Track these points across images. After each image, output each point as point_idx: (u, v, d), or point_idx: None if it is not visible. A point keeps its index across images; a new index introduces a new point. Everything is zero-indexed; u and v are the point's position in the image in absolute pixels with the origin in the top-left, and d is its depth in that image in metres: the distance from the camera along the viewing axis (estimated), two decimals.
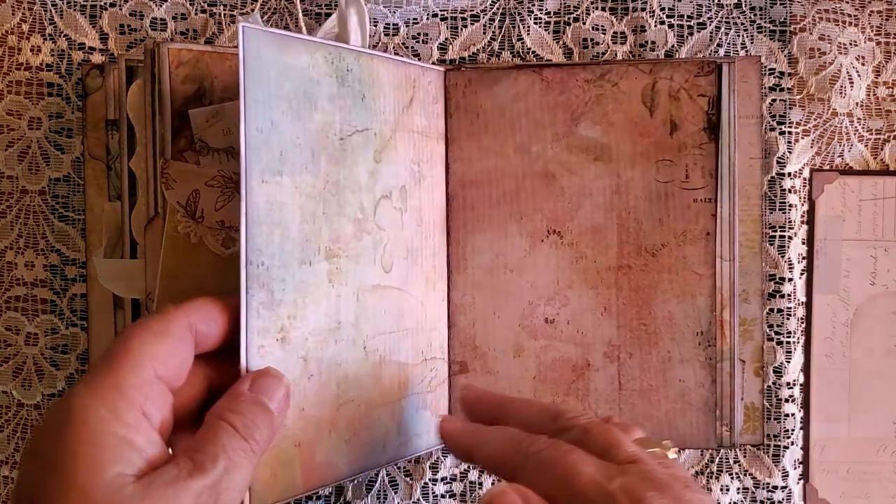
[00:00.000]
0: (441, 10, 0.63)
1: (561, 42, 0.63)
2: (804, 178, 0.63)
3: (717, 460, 0.63)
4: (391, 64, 0.55)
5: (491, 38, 0.63)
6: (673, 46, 0.63)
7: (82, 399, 0.38)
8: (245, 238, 0.45)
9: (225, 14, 0.62)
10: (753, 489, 0.63)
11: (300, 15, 0.60)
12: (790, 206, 0.63)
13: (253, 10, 0.62)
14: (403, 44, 0.63)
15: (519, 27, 0.63)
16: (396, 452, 0.56)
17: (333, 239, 0.50)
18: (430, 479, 0.63)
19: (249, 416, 0.42)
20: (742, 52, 0.63)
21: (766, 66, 0.63)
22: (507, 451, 0.46)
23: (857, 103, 0.63)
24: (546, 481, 0.43)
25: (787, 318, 0.63)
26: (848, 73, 0.63)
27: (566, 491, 0.43)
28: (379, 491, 0.63)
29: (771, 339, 0.63)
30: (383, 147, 0.54)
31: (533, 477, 0.44)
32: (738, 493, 0.63)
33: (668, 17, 0.63)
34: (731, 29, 0.63)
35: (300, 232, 0.48)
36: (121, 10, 0.61)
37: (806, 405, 0.63)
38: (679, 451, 0.63)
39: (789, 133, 0.63)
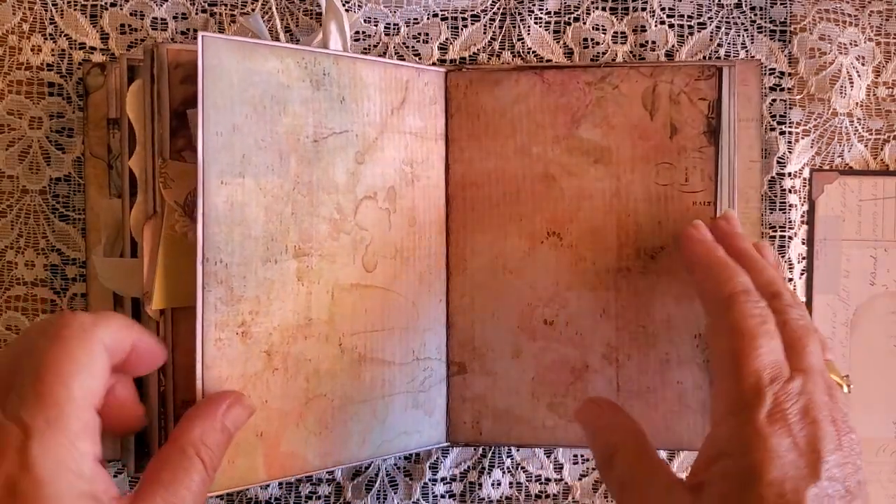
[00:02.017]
0: (441, 10, 0.63)
1: (561, 42, 0.63)
2: (804, 178, 0.63)
3: None
4: (377, 66, 0.56)
5: (491, 38, 0.63)
6: (673, 46, 0.63)
7: (46, 466, 0.38)
8: (202, 237, 0.48)
9: (226, 13, 0.62)
10: None
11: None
12: (790, 206, 0.63)
13: (254, 10, 0.62)
14: (404, 43, 0.63)
15: (519, 27, 0.63)
16: (379, 449, 0.57)
17: (304, 238, 0.52)
18: (429, 479, 0.63)
19: (217, 450, 0.45)
20: (742, 52, 0.63)
21: (766, 66, 0.63)
22: (721, 294, 0.48)
23: (857, 103, 0.63)
24: (725, 344, 0.46)
25: None
26: (848, 73, 0.63)
27: (730, 363, 0.45)
28: (378, 491, 0.63)
29: None
30: (367, 148, 0.55)
31: (721, 330, 0.47)
32: None
33: (668, 16, 0.63)
34: (731, 29, 0.63)
35: (265, 231, 0.51)
36: (121, 9, 0.61)
37: None
38: (676, 453, 0.63)
39: (789, 133, 0.63)
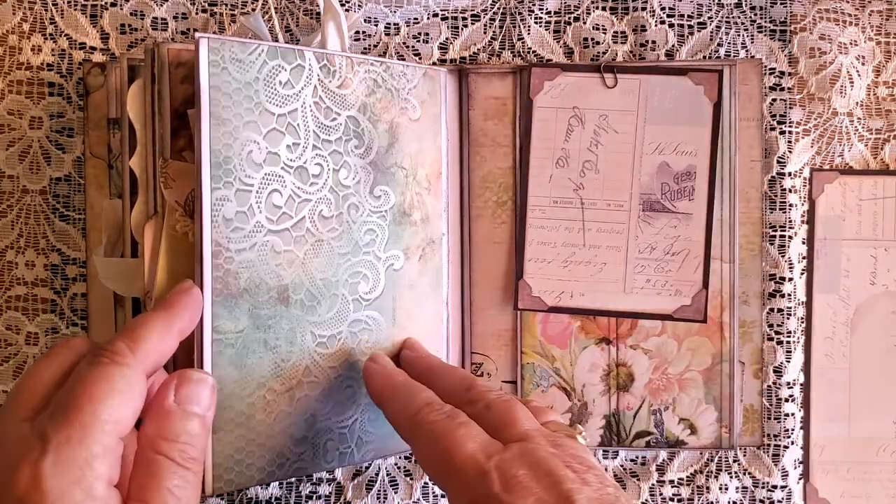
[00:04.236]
0: (441, 10, 0.63)
1: (561, 42, 0.63)
2: (804, 178, 0.63)
3: (716, 459, 0.63)
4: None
5: (491, 38, 0.63)
6: (673, 46, 0.63)
7: (55, 481, 0.37)
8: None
9: (226, 13, 0.62)
10: (753, 489, 0.63)
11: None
12: (790, 205, 0.63)
13: (254, 10, 0.62)
14: (404, 43, 0.63)
15: (519, 27, 0.63)
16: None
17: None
18: (429, 479, 0.63)
19: (183, 437, 0.41)
20: (742, 52, 0.63)
21: (766, 66, 0.63)
22: (408, 413, 0.47)
23: (857, 103, 0.63)
24: (432, 453, 0.44)
25: (788, 318, 0.63)
26: (848, 72, 0.63)
27: (446, 465, 0.43)
28: (379, 491, 0.63)
29: (771, 339, 0.63)
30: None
31: (423, 446, 0.46)
32: (737, 492, 0.63)
33: (668, 16, 0.63)
34: (731, 28, 0.63)
35: None
36: (121, 9, 0.61)
37: (806, 405, 0.63)
38: (677, 453, 0.63)
39: (789, 133, 0.63)
